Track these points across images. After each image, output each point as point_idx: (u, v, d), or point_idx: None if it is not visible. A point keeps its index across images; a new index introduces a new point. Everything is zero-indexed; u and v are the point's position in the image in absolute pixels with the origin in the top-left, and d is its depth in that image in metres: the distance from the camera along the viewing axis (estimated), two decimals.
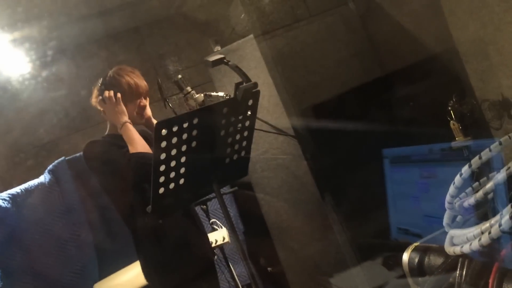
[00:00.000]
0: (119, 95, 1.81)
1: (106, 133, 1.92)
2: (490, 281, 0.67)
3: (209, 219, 2.74)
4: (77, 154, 2.78)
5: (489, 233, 0.66)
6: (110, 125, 1.91)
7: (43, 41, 3.00)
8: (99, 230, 2.66)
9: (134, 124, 1.88)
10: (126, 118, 1.80)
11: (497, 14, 1.80)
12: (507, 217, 0.64)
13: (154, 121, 1.97)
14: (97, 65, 3.24)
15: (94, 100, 1.90)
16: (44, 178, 2.63)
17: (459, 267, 0.76)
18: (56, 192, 2.60)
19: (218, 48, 3.12)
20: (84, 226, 2.60)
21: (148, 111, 1.95)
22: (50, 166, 2.70)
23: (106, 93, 1.81)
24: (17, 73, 3.08)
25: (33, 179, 2.69)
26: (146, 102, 1.91)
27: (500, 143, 0.74)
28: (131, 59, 2.00)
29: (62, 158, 2.72)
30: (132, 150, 1.75)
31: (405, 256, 0.93)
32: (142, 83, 1.88)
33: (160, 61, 3.50)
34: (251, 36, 2.48)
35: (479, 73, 1.96)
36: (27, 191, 2.53)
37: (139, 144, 1.76)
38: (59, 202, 2.58)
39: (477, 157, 0.76)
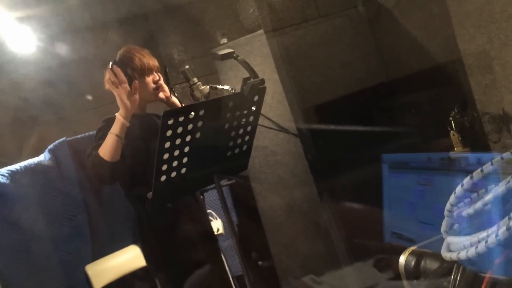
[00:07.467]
0: (135, 83, 1.77)
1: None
2: (483, 286, 0.71)
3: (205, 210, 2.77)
4: (78, 136, 2.79)
5: (486, 242, 0.69)
6: None
7: (51, 20, 2.99)
8: (95, 212, 2.68)
9: (149, 101, 1.94)
10: (122, 111, 1.76)
11: (505, 30, 1.83)
12: (504, 228, 0.67)
13: (175, 100, 1.99)
14: (102, 48, 3.25)
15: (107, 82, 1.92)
16: (44, 157, 2.64)
17: (453, 272, 0.79)
18: (54, 172, 2.61)
19: (224, 41, 3.13)
20: (81, 207, 2.62)
21: (166, 90, 1.95)
22: (51, 146, 2.70)
23: (115, 70, 1.76)
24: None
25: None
26: (160, 77, 1.94)
27: (502, 158, 0.77)
28: (137, 45, 2.03)
29: (63, 138, 2.73)
30: (99, 148, 1.75)
31: (402, 259, 0.97)
32: (153, 60, 1.92)
33: (166, 50, 3.51)
34: (261, 31, 2.49)
35: (483, 86, 1.99)
36: (26, 168, 2.54)
37: (105, 145, 1.74)
38: (57, 182, 2.60)
39: (479, 169, 0.79)
